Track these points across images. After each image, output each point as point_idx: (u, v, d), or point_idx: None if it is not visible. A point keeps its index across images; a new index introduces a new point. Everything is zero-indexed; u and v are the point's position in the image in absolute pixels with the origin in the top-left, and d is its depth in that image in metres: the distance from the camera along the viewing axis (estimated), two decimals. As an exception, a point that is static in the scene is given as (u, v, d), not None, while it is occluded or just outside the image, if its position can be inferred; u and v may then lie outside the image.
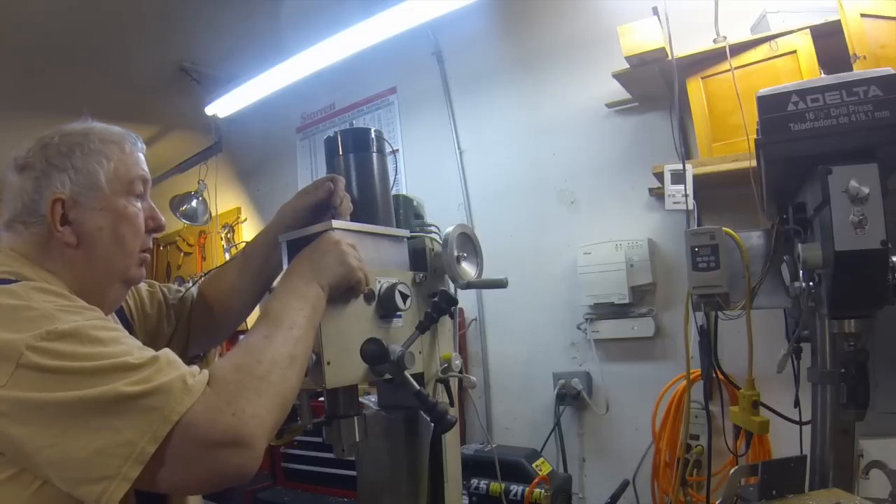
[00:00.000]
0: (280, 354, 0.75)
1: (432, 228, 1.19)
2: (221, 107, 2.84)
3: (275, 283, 1.04)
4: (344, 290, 0.91)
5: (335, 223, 0.93)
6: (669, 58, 1.74)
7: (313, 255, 0.89)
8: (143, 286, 1.10)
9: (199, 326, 1.16)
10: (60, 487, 0.63)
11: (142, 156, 0.94)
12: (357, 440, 0.95)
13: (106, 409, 0.62)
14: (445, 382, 1.09)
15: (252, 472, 0.68)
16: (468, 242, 1.15)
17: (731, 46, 1.67)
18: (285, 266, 0.96)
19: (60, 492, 0.64)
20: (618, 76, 1.95)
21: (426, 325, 0.98)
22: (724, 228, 1.40)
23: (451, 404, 1.10)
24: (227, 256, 3.60)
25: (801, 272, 1.11)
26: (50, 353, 0.64)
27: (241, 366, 0.72)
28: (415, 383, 0.94)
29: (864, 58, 1.46)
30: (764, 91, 1.09)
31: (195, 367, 0.70)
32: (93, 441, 0.61)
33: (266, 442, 0.70)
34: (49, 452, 0.62)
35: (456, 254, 1.09)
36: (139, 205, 0.91)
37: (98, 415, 0.62)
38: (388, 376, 0.95)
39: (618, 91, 2.07)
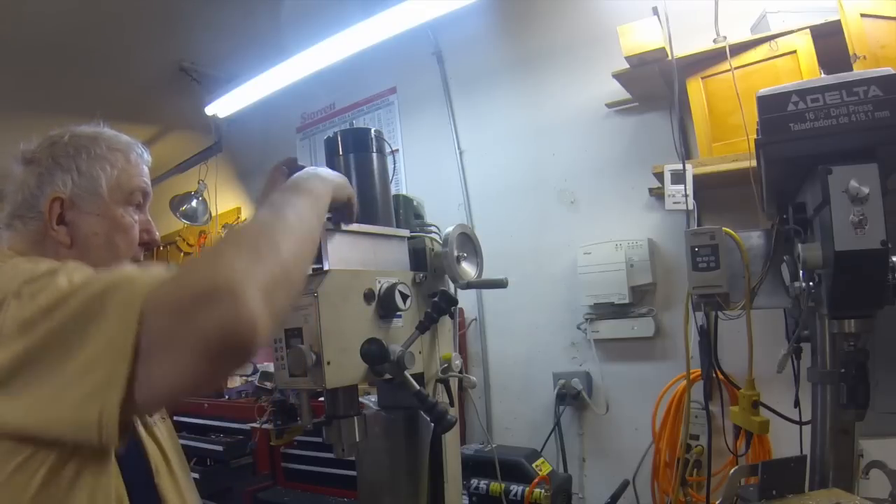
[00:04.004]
0: (271, 226, 0.69)
1: (432, 228, 1.19)
2: (221, 107, 2.84)
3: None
4: (340, 207, 0.90)
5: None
6: (669, 58, 1.74)
7: (307, 169, 0.88)
8: None
9: None
10: (65, 435, 0.61)
11: (146, 168, 0.96)
12: (357, 440, 0.95)
13: (81, 320, 0.61)
14: (445, 382, 1.09)
15: (245, 328, 0.58)
16: (468, 242, 1.15)
17: (731, 46, 1.67)
18: None
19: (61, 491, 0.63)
20: (618, 76, 1.95)
21: (426, 325, 0.98)
22: (724, 228, 1.40)
23: (451, 404, 1.10)
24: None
25: (801, 272, 1.11)
26: (28, 296, 0.63)
27: (216, 243, 0.66)
28: (415, 383, 0.94)
29: (864, 58, 1.46)
30: (764, 91, 1.09)
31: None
32: (81, 355, 0.60)
33: (258, 295, 0.59)
34: (47, 391, 0.60)
35: (456, 254, 1.09)
36: (136, 216, 0.92)
37: (76, 331, 0.60)
38: (388, 376, 0.95)
39: (618, 91, 2.07)
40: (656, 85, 1.92)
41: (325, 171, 0.90)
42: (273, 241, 0.67)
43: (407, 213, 1.20)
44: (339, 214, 0.93)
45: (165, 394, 0.61)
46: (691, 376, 1.69)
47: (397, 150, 2.80)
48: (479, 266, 1.16)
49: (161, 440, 0.92)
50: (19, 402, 0.61)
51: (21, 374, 0.61)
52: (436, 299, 0.99)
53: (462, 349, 2.48)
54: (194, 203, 3.44)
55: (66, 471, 0.67)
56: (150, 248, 0.95)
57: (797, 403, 1.37)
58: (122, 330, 0.58)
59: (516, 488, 1.75)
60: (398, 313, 0.98)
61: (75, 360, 0.60)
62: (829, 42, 1.56)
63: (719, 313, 1.46)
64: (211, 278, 0.59)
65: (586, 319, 2.19)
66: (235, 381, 3.29)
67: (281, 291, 0.64)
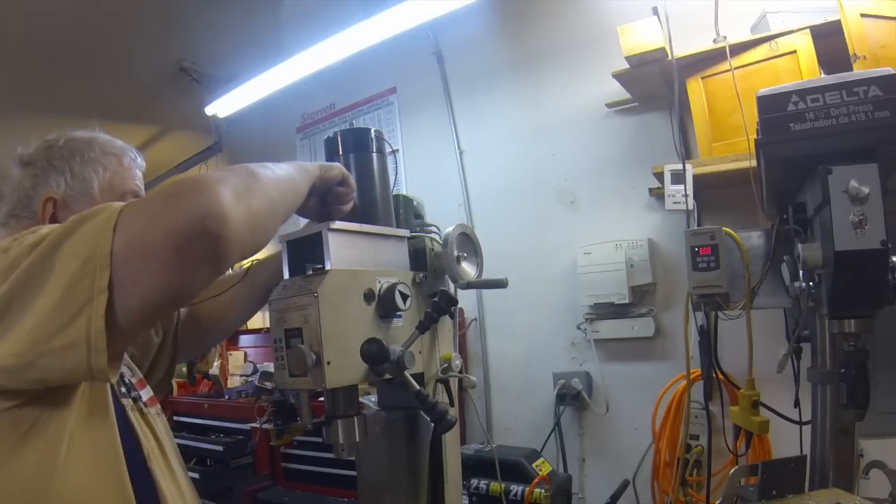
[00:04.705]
0: (246, 165, 0.73)
1: (432, 228, 1.19)
2: (221, 107, 2.84)
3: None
4: (336, 184, 0.93)
5: (337, 224, 0.93)
6: (669, 58, 1.74)
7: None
8: None
9: (187, 336, 1.16)
10: (54, 364, 0.60)
11: (139, 172, 0.98)
12: (357, 440, 0.95)
13: (60, 245, 0.61)
14: (445, 382, 1.09)
15: (213, 217, 0.59)
16: (468, 242, 1.14)
17: (731, 46, 1.67)
18: (286, 271, 0.96)
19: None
20: (618, 76, 1.95)
21: (426, 325, 0.97)
22: (724, 228, 1.40)
23: (451, 404, 1.10)
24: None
25: (801, 272, 1.11)
26: (16, 245, 0.64)
27: None
28: (415, 383, 0.93)
29: (864, 58, 1.46)
30: (764, 91, 1.09)
31: None
32: (63, 275, 0.60)
33: (229, 192, 0.62)
34: (34, 319, 0.60)
35: (456, 254, 1.09)
36: None
37: (56, 255, 0.60)
38: (388, 376, 0.95)
39: (618, 91, 2.07)
40: (656, 85, 1.92)
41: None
42: (247, 168, 0.72)
43: (407, 213, 1.20)
44: (335, 196, 0.94)
45: (143, 300, 0.61)
46: (691, 376, 1.69)
47: (397, 150, 2.80)
48: (479, 266, 1.16)
49: (157, 430, 0.92)
50: (9, 337, 0.60)
51: (10, 311, 0.61)
52: (436, 299, 0.98)
53: (462, 349, 2.48)
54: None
55: (65, 435, 0.68)
56: None
57: (797, 403, 1.37)
58: (99, 241, 0.59)
59: (516, 488, 1.75)
60: (398, 313, 0.98)
61: (57, 282, 0.60)
62: (829, 42, 1.56)
63: (719, 313, 1.45)
64: (181, 183, 0.62)
65: (586, 319, 2.19)
66: (235, 381, 3.30)
67: (255, 198, 0.66)
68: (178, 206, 0.60)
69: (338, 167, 0.95)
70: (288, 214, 0.82)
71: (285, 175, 0.80)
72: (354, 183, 0.99)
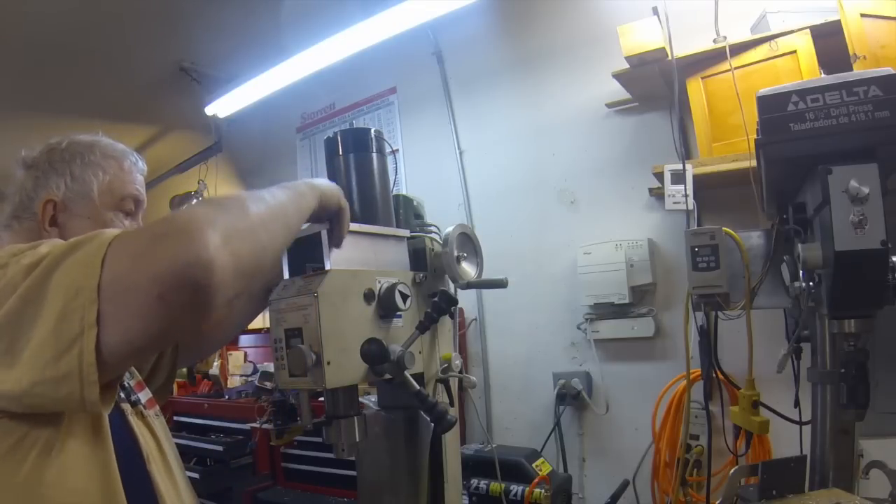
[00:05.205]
0: (242, 196, 0.71)
1: (432, 228, 1.19)
2: (221, 107, 2.84)
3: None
4: (332, 211, 0.89)
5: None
6: (669, 58, 1.74)
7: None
8: None
9: (187, 342, 1.17)
10: (47, 393, 0.60)
11: (140, 176, 0.99)
12: (357, 440, 0.95)
13: (52, 272, 0.61)
14: (445, 382, 1.09)
15: (199, 264, 0.58)
16: (468, 242, 1.15)
17: (731, 46, 1.67)
18: (286, 272, 0.96)
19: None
20: (618, 76, 1.95)
21: (426, 325, 0.97)
22: (724, 228, 1.40)
23: (451, 404, 1.10)
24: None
25: (801, 272, 1.11)
26: (13, 263, 0.64)
27: None
28: (415, 383, 0.93)
29: (864, 58, 1.46)
30: (764, 91, 1.09)
31: None
32: (54, 305, 0.60)
33: (217, 237, 0.60)
34: (29, 348, 0.60)
35: (456, 254, 1.09)
36: (126, 222, 0.95)
37: (48, 283, 0.61)
38: (388, 376, 0.95)
39: (618, 91, 2.07)
40: (656, 85, 1.92)
41: (319, 180, 0.89)
42: (241, 204, 0.69)
43: (407, 213, 1.20)
44: (330, 225, 0.91)
45: (127, 340, 0.60)
46: (691, 376, 1.69)
47: (397, 150, 2.80)
48: (479, 266, 1.16)
49: (156, 431, 0.93)
50: (5, 364, 0.60)
51: (4, 337, 0.61)
52: (436, 299, 0.98)
53: (462, 349, 2.48)
54: (194, 203, 3.43)
55: (56, 445, 0.68)
56: None
57: (797, 403, 1.37)
58: (89, 273, 0.59)
59: (516, 488, 1.75)
60: (398, 313, 0.98)
61: (50, 312, 0.60)
62: (829, 42, 1.56)
63: (719, 313, 1.46)
64: (171, 222, 0.60)
65: (586, 319, 2.19)
66: (235, 381, 3.30)
67: (244, 243, 0.65)
68: (164, 250, 0.58)
69: (336, 197, 0.90)
70: (279, 252, 0.80)
71: (279, 210, 0.76)
72: (348, 211, 0.93)
